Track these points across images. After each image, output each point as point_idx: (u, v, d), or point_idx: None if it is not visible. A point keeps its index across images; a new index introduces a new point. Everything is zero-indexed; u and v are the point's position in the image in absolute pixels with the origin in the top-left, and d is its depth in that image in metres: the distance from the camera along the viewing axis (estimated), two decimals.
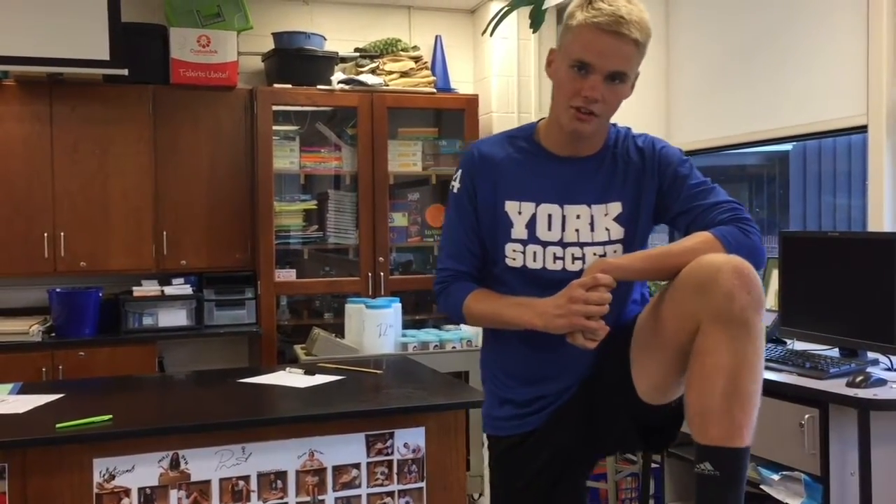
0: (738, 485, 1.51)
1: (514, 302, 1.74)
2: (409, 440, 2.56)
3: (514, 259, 1.78)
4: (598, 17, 1.63)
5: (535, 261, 1.76)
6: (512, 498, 1.88)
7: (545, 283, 1.75)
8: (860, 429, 2.27)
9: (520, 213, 1.78)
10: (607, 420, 1.77)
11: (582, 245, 1.76)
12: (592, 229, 1.76)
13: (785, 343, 2.96)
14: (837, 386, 2.37)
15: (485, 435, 1.94)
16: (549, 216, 1.76)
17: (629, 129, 1.86)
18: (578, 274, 1.70)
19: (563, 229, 1.76)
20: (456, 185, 1.85)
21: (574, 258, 1.76)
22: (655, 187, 1.77)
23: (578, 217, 1.76)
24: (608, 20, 1.63)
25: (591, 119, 1.69)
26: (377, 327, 3.92)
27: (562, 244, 1.76)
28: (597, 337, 1.61)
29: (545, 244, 1.76)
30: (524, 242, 1.77)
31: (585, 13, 1.65)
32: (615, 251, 1.76)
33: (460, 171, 1.85)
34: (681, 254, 1.61)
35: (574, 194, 1.77)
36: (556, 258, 1.76)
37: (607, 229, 1.76)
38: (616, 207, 1.77)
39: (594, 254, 1.75)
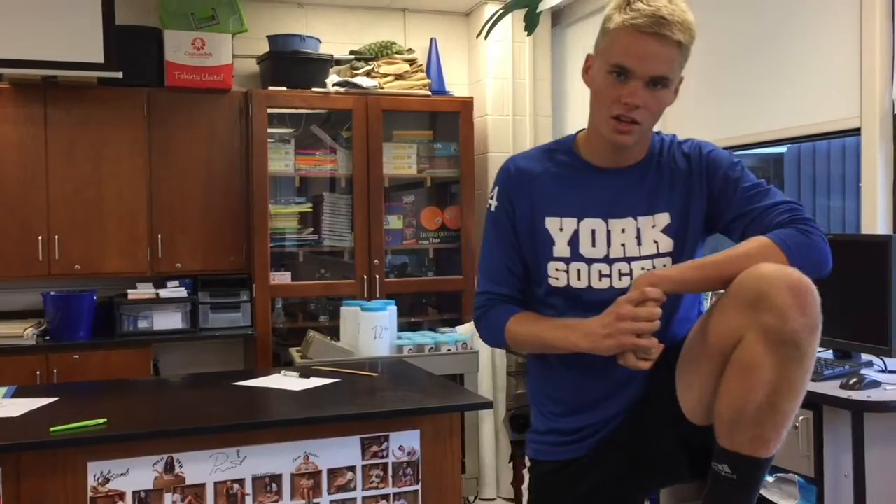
0: (753, 491, 1.47)
1: (558, 324, 1.64)
2: (405, 443, 2.57)
3: (557, 279, 1.67)
4: (637, 19, 1.52)
5: (579, 279, 1.66)
6: None
7: (592, 303, 1.64)
8: (854, 430, 2.27)
9: (561, 229, 1.67)
10: (654, 445, 1.65)
11: (629, 260, 1.65)
12: (639, 243, 1.65)
13: None
14: (831, 388, 2.37)
15: (528, 458, 1.85)
16: (593, 231, 1.66)
17: (674, 135, 1.75)
18: (626, 291, 1.58)
19: (609, 245, 1.66)
20: (493, 202, 1.74)
21: (621, 274, 1.65)
22: (705, 194, 1.66)
23: (624, 231, 1.65)
24: (648, 21, 1.52)
25: (633, 128, 1.59)
26: (372, 330, 3.92)
27: (608, 260, 1.66)
28: (650, 356, 1.50)
29: (590, 261, 1.66)
30: (567, 261, 1.66)
31: (623, 15, 1.54)
32: (664, 265, 1.65)
33: (497, 188, 1.75)
34: (735, 260, 1.49)
35: (618, 207, 1.66)
36: (601, 276, 1.66)
37: (655, 242, 1.65)
38: (664, 218, 1.66)
39: (642, 268, 1.64)
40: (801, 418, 2.37)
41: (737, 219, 1.63)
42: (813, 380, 2.45)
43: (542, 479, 1.79)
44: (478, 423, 4.35)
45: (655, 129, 1.73)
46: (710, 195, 1.66)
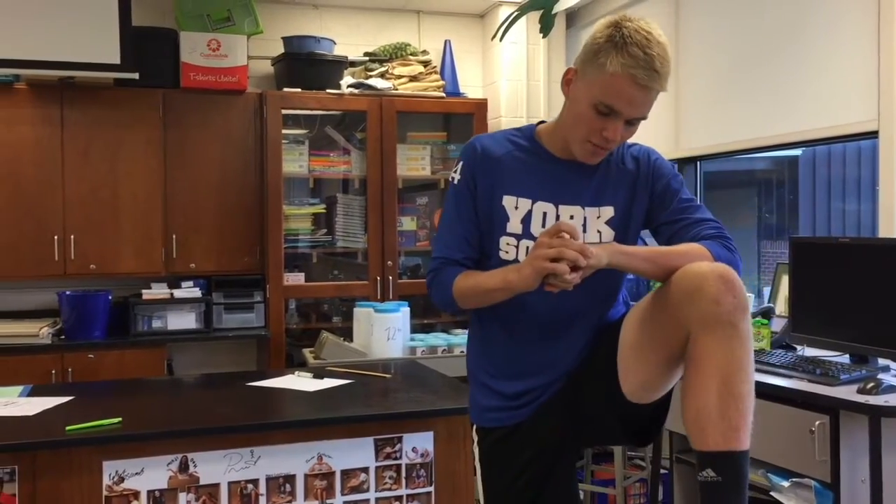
0: (741, 489, 1.53)
1: (495, 271, 1.76)
2: (418, 444, 2.57)
3: (507, 252, 1.81)
4: (634, 69, 1.64)
5: (527, 255, 1.77)
6: (503, 491, 1.90)
7: None
8: (871, 435, 2.25)
9: (516, 208, 1.81)
10: (592, 416, 1.81)
11: None
12: (584, 230, 1.80)
13: (795, 349, 2.95)
14: (848, 392, 2.36)
15: (473, 428, 1.97)
16: (544, 214, 1.80)
17: None
18: None
19: None
20: (456, 176, 1.87)
21: None
22: (647, 196, 1.83)
23: (572, 217, 1.80)
24: (644, 74, 1.64)
25: (604, 153, 1.77)
26: (385, 331, 3.93)
27: None
28: (566, 283, 1.60)
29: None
30: (518, 237, 1.80)
31: (621, 59, 1.64)
32: None
33: (461, 162, 1.87)
34: (678, 255, 1.67)
35: (569, 195, 1.81)
36: None
37: (599, 231, 1.81)
38: (608, 211, 1.82)
39: None
40: (817, 423, 2.35)
41: (667, 224, 1.81)
42: (829, 384, 2.44)
43: (491, 448, 1.91)
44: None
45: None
46: (651, 197, 1.83)
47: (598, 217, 1.81)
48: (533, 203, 1.80)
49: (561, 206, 1.80)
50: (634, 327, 1.72)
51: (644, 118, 1.74)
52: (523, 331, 1.82)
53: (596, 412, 1.80)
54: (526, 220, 1.80)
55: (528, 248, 1.79)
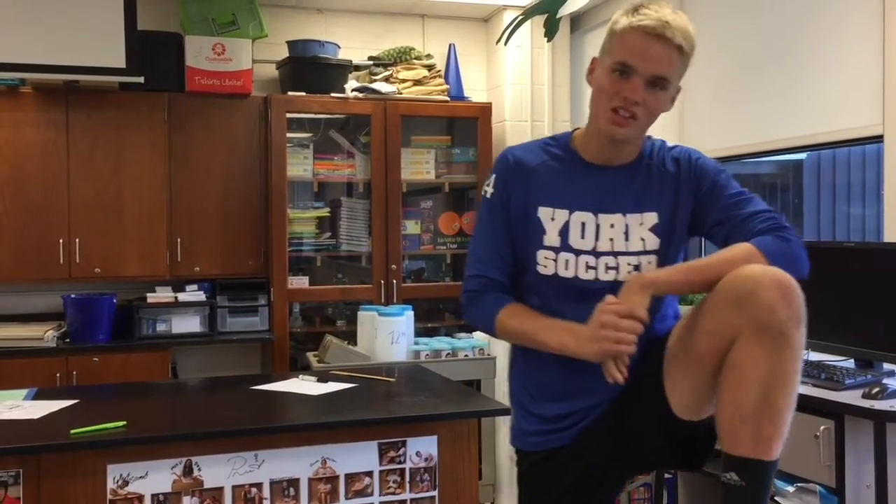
0: (763, 498, 1.50)
1: (549, 324, 1.70)
2: (422, 448, 2.56)
3: (545, 266, 1.74)
4: (644, 21, 1.63)
5: (566, 269, 1.73)
6: None
7: (577, 292, 1.72)
8: (876, 440, 2.25)
9: (553, 219, 1.74)
10: (639, 437, 1.72)
11: (616, 254, 1.73)
12: (627, 238, 1.73)
13: None
14: (853, 397, 2.35)
15: (513, 449, 1.90)
16: (583, 224, 1.73)
17: (664, 140, 1.84)
18: (612, 284, 1.69)
19: (597, 238, 1.73)
20: (489, 189, 1.81)
21: (608, 267, 1.72)
22: (692, 199, 1.75)
23: (613, 226, 1.73)
24: (653, 24, 1.62)
25: (629, 122, 1.67)
26: (389, 335, 3.93)
27: (595, 253, 1.73)
28: (624, 361, 1.58)
29: (578, 252, 1.73)
30: (556, 250, 1.73)
31: (630, 18, 1.65)
32: (649, 262, 1.73)
33: (494, 175, 1.81)
34: (720, 265, 1.57)
35: (609, 203, 1.74)
36: (588, 267, 1.72)
37: (642, 239, 1.73)
38: (652, 217, 1.74)
39: (628, 263, 1.72)
40: (822, 428, 2.35)
41: (719, 224, 1.71)
42: (834, 389, 2.44)
43: (529, 471, 1.84)
44: (494, 429, 4.34)
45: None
46: (696, 200, 1.75)
47: (640, 224, 1.74)
48: (570, 213, 1.74)
49: (601, 215, 1.74)
50: (681, 339, 1.64)
51: (666, 80, 1.66)
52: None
53: (643, 432, 1.71)
54: (564, 231, 1.74)
55: (566, 261, 1.72)
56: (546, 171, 1.78)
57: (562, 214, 1.74)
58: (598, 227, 1.73)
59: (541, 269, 1.75)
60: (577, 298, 1.70)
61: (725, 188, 1.73)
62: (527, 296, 1.79)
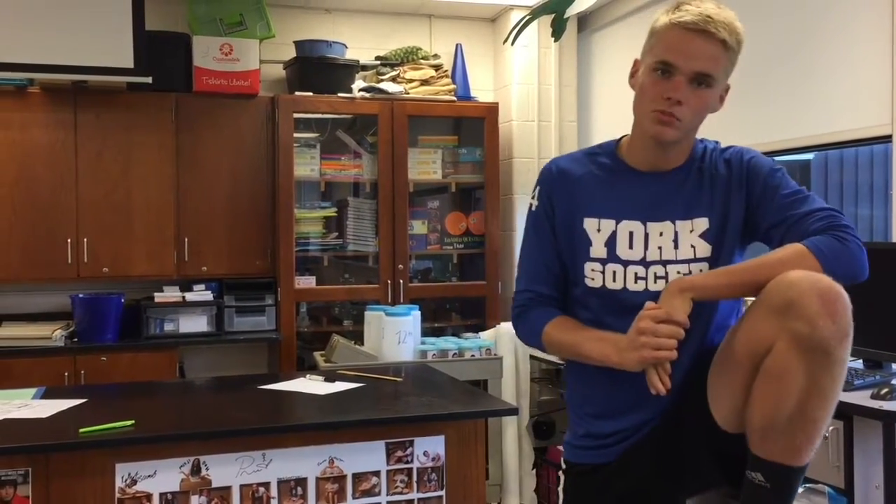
0: (788, 500, 1.47)
1: (594, 336, 1.65)
2: (429, 448, 2.56)
3: (593, 279, 1.69)
4: (684, 17, 1.57)
5: (615, 281, 1.67)
6: None
7: (626, 305, 1.65)
8: (885, 441, 2.24)
9: (599, 230, 1.69)
10: (685, 454, 1.64)
11: (665, 263, 1.66)
12: (676, 246, 1.65)
13: None
14: (862, 398, 2.34)
15: (563, 460, 1.87)
16: (631, 234, 1.67)
17: (718, 142, 1.76)
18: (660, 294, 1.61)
19: (646, 247, 1.67)
20: (534, 202, 1.77)
21: (657, 277, 1.66)
22: (744, 201, 1.66)
23: (662, 234, 1.66)
24: (695, 19, 1.56)
25: (674, 122, 1.60)
26: (396, 335, 3.93)
27: (644, 263, 1.66)
28: (666, 369, 1.53)
29: (626, 263, 1.67)
30: (604, 261, 1.68)
31: (671, 15, 1.60)
32: (700, 270, 1.64)
33: (538, 187, 1.78)
34: (766, 267, 1.49)
35: (658, 210, 1.67)
36: (637, 278, 1.66)
37: (693, 246, 1.66)
38: (702, 223, 1.66)
39: (678, 272, 1.64)
40: (831, 428, 2.34)
41: (775, 226, 1.62)
42: (843, 389, 2.42)
43: (575, 482, 1.81)
44: (501, 430, 4.34)
45: (698, 135, 1.74)
46: (749, 202, 1.66)
47: (690, 231, 1.66)
48: (617, 223, 1.68)
49: (649, 224, 1.67)
50: (725, 347, 1.56)
51: (710, 76, 1.59)
52: (616, 369, 1.64)
53: (690, 449, 1.63)
54: (611, 242, 1.68)
55: (614, 272, 1.67)
56: (591, 180, 1.72)
57: (608, 224, 1.69)
58: (646, 235, 1.66)
59: (588, 282, 1.70)
60: (626, 311, 1.62)
61: (779, 188, 1.63)
62: (577, 310, 1.75)
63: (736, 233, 1.67)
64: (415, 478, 2.55)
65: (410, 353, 3.95)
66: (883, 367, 2.63)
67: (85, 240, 4.25)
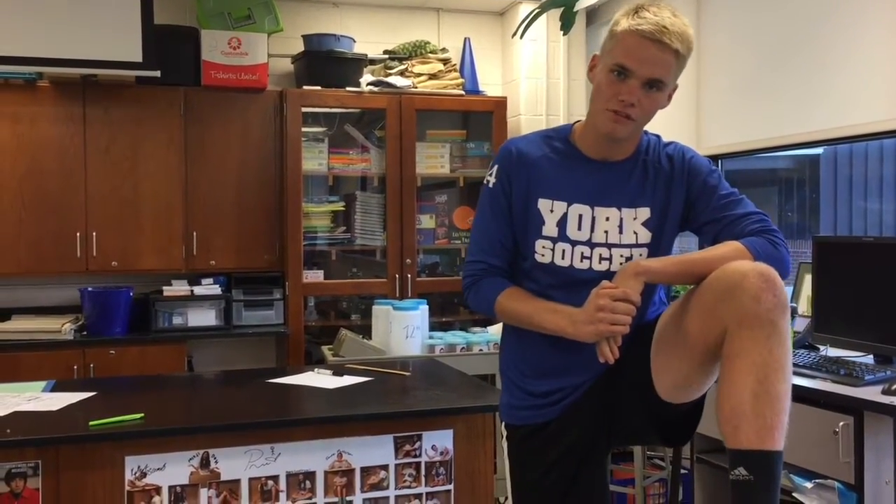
0: (773, 490, 1.51)
1: (548, 307, 1.78)
2: (438, 442, 2.57)
3: (542, 255, 1.82)
4: (642, 25, 1.69)
5: (563, 258, 1.81)
6: (530, 490, 1.91)
7: (572, 280, 1.80)
8: (895, 437, 2.24)
9: (552, 211, 1.81)
10: (624, 414, 1.81)
11: (610, 246, 1.80)
12: (621, 232, 1.80)
13: (818, 349, 2.93)
14: (872, 393, 2.34)
15: (503, 425, 1.98)
16: (580, 216, 1.80)
17: (659, 136, 1.90)
18: (604, 273, 1.77)
19: (593, 230, 1.80)
20: (492, 179, 1.88)
21: (601, 258, 1.80)
22: (683, 196, 1.82)
23: (608, 219, 1.80)
24: (652, 28, 1.68)
25: (627, 122, 1.73)
26: (404, 329, 3.93)
27: (590, 244, 1.80)
28: (617, 341, 1.68)
29: (574, 243, 1.80)
30: (554, 240, 1.81)
31: (630, 21, 1.70)
32: (641, 254, 1.81)
33: (496, 166, 1.88)
34: (711, 260, 1.65)
35: (605, 197, 1.81)
36: (583, 257, 1.80)
37: (635, 233, 1.81)
38: (645, 212, 1.81)
39: (621, 255, 1.80)
40: (841, 424, 2.33)
41: (711, 223, 1.79)
42: (853, 385, 2.42)
43: (519, 445, 1.92)
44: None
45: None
46: (688, 198, 1.82)
47: (634, 218, 1.81)
48: (569, 206, 1.81)
49: (597, 208, 1.80)
50: (669, 326, 1.71)
51: (661, 82, 1.71)
52: None
53: (628, 411, 1.80)
54: (562, 222, 1.81)
55: (563, 251, 1.80)
56: (547, 163, 1.84)
57: (560, 206, 1.81)
58: (594, 219, 1.80)
59: (538, 258, 1.82)
60: (570, 286, 1.79)
61: (717, 188, 1.80)
62: (524, 282, 1.87)
63: (674, 223, 1.83)
64: (423, 472, 2.55)
65: (418, 348, 3.95)
66: (893, 362, 2.62)
67: (94, 234, 4.26)
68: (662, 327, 1.73)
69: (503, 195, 1.85)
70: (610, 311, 1.64)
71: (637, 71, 1.69)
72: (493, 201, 1.86)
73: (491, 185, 1.87)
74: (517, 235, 1.86)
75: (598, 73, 1.77)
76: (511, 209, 1.84)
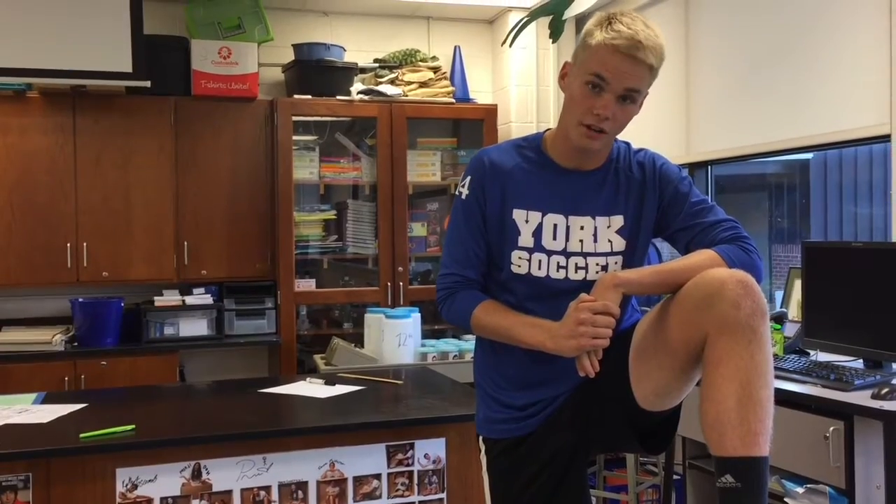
0: (761, 495, 1.51)
1: (526, 321, 1.77)
2: (430, 451, 2.57)
3: (519, 266, 1.81)
4: (616, 40, 1.67)
5: (539, 269, 1.80)
6: (511, 502, 1.88)
7: (548, 290, 1.80)
8: (886, 441, 2.24)
9: (527, 221, 1.81)
10: (603, 423, 1.80)
11: (585, 255, 1.80)
12: (595, 240, 1.80)
13: (808, 354, 2.94)
14: (862, 398, 2.34)
15: (480, 439, 1.96)
16: (555, 226, 1.80)
17: (629, 144, 1.90)
18: (581, 283, 1.78)
19: (568, 239, 1.80)
20: (464, 190, 1.86)
21: (577, 267, 1.80)
22: (656, 203, 1.83)
23: (582, 228, 1.80)
24: (626, 43, 1.67)
25: (600, 136, 1.73)
26: (396, 337, 3.93)
27: (565, 253, 1.80)
28: (598, 355, 1.67)
29: (550, 253, 1.80)
30: (530, 250, 1.80)
31: (605, 34, 1.69)
32: (616, 262, 1.81)
33: (469, 177, 1.86)
34: (687, 269, 1.66)
35: (579, 206, 1.81)
36: (559, 267, 1.80)
37: (610, 241, 1.81)
38: (618, 221, 1.82)
39: (597, 264, 1.80)
40: (831, 429, 2.34)
41: (683, 230, 1.80)
42: (843, 390, 2.43)
43: (498, 458, 1.90)
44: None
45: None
46: (660, 205, 1.83)
47: (608, 227, 1.81)
48: (543, 216, 1.80)
49: (571, 217, 1.80)
50: (647, 334, 1.70)
51: (636, 94, 1.71)
52: None
53: (607, 420, 1.79)
54: (537, 233, 1.80)
55: (539, 261, 1.79)
56: (520, 173, 1.83)
57: (535, 216, 1.80)
58: (568, 228, 1.80)
59: (514, 269, 1.81)
60: (548, 297, 1.78)
61: (688, 195, 1.81)
62: (500, 293, 1.85)
63: (648, 231, 1.84)
64: (416, 480, 2.55)
65: (411, 356, 3.95)
66: (883, 366, 2.63)
67: (84, 244, 4.25)
68: (641, 336, 1.72)
69: (477, 206, 1.83)
70: (591, 325, 1.63)
71: (612, 85, 1.69)
72: (467, 213, 1.84)
73: (464, 196, 1.85)
74: (492, 247, 1.84)
75: (572, 84, 1.76)
76: (485, 220, 1.83)
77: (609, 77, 1.68)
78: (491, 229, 1.83)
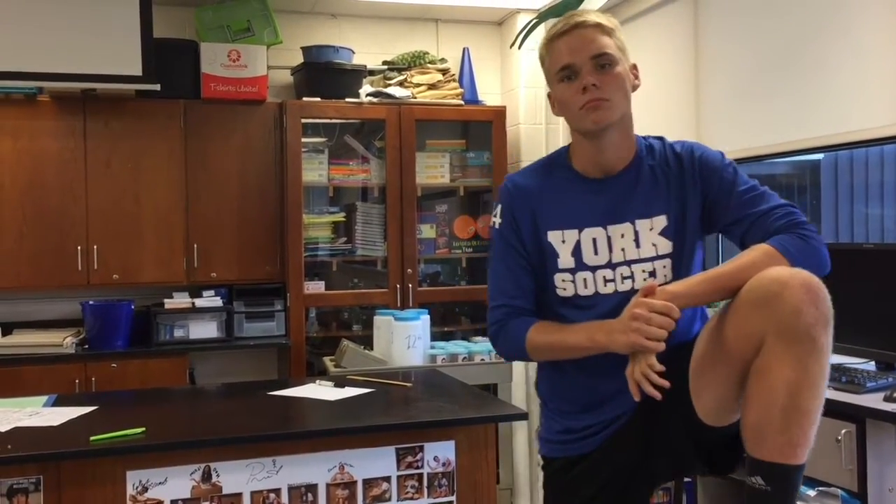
0: (790, 502, 1.47)
1: (578, 327, 1.70)
2: (440, 453, 2.56)
3: (564, 289, 1.75)
4: (554, 29, 1.74)
5: (586, 287, 1.74)
6: None
7: (599, 308, 1.72)
8: None
9: (563, 241, 1.75)
10: (665, 443, 1.70)
11: (629, 263, 1.73)
12: (638, 245, 1.73)
13: None
14: (874, 400, 2.33)
15: (539, 455, 1.92)
16: (594, 240, 1.74)
17: (663, 138, 1.83)
18: (627, 294, 1.68)
19: (610, 250, 1.74)
20: (497, 220, 1.82)
21: (623, 278, 1.73)
22: (700, 196, 1.73)
23: (623, 236, 1.73)
24: (563, 24, 1.72)
25: (604, 104, 1.68)
26: (406, 339, 3.92)
27: (610, 266, 1.73)
28: (650, 362, 1.56)
29: (594, 269, 1.74)
30: (573, 271, 1.74)
31: (547, 36, 1.77)
32: (664, 266, 1.72)
33: (499, 205, 1.83)
34: (742, 271, 1.55)
35: (616, 214, 1.74)
36: (606, 281, 1.73)
37: (654, 244, 1.73)
38: (661, 221, 1.73)
39: (643, 270, 1.72)
40: (843, 431, 2.32)
41: (735, 223, 1.69)
42: (855, 392, 2.42)
43: (555, 476, 1.84)
44: (511, 434, 4.33)
45: (642, 133, 1.81)
46: (705, 197, 1.73)
47: (650, 229, 1.73)
48: (580, 232, 1.74)
49: (610, 227, 1.74)
50: (707, 344, 1.60)
51: (607, 54, 1.69)
52: (593, 363, 1.72)
53: (669, 437, 1.69)
54: (577, 251, 1.74)
55: (584, 279, 1.73)
56: (548, 193, 1.79)
57: (571, 235, 1.75)
58: (609, 239, 1.73)
59: (560, 292, 1.76)
60: (599, 315, 1.70)
61: (735, 184, 1.71)
62: (549, 317, 1.80)
63: (695, 227, 1.74)
64: (425, 483, 2.55)
65: (420, 358, 3.95)
66: (894, 369, 2.61)
67: (95, 247, 4.27)
68: (700, 345, 1.62)
69: (513, 233, 1.79)
70: (644, 322, 1.54)
71: (578, 60, 1.69)
72: (505, 241, 1.80)
73: (497, 225, 1.82)
74: (535, 272, 1.78)
75: (556, 94, 1.78)
76: (524, 246, 1.77)
77: (570, 60, 1.69)
78: (531, 255, 1.78)
